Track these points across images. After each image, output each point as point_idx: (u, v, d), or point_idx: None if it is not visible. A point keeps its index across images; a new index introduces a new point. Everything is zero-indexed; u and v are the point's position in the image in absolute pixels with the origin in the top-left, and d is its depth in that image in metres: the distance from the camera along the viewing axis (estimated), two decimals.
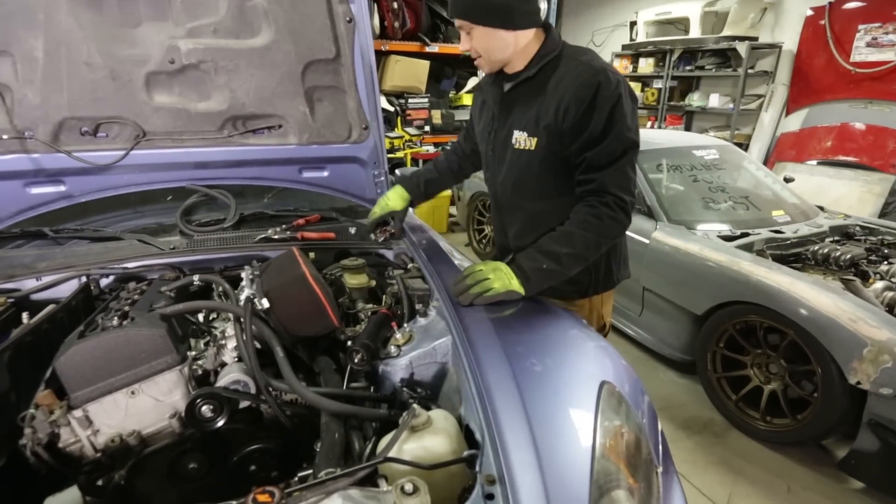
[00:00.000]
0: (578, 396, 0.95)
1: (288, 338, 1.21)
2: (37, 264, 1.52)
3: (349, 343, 1.27)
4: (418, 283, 1.43)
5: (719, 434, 2.48)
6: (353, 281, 1.50)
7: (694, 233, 2.76)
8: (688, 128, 6.46)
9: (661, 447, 0.99)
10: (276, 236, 1.70)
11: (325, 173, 1.93)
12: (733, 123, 5.69)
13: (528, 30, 1.31)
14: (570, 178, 1.35)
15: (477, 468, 0.82)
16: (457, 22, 1.32)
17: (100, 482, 1.04)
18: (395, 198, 1.72)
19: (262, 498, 0.67)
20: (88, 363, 1.05)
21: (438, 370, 1.19)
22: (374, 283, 1.54)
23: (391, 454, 0.86)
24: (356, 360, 1.19)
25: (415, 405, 0.98)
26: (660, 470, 0.94)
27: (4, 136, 1.56)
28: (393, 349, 1.21)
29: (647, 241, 2.87)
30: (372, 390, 1.20)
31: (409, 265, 1.60)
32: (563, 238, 1.28)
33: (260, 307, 1.19)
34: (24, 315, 1.32)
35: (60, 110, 1.58)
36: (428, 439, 0.91)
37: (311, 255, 1.67)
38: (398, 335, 1.24)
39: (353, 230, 1.86)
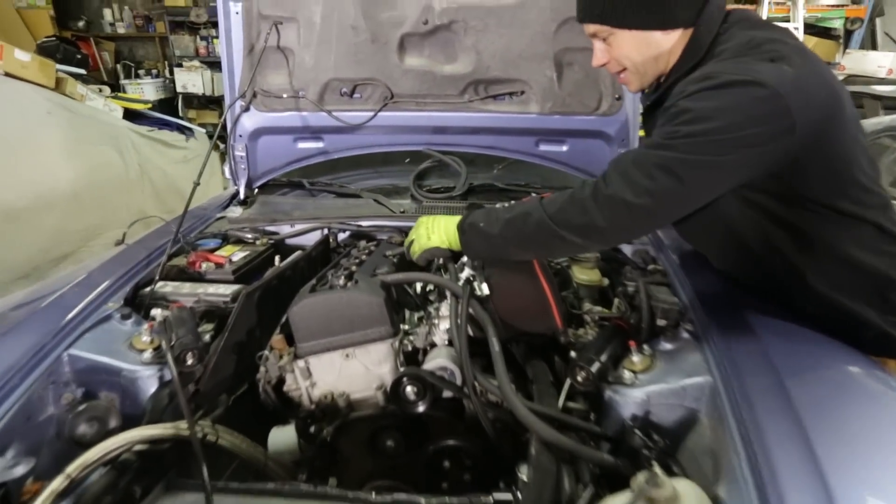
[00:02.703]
0: None
1: (504, 331, 1.11)
2: (292, 212, 1.72)
3: (572, 353, 1.11)
4: (664, 292, 1.18)
5: None
6: (582, 276, 1.35)
7: None
8: None
9: None
10: None
11: (564, 147, 1.77)
12: None
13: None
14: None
15: None
16: (587, 28, 1.04)
17: (312, 429, 1.10)
18: None
19: None
20: (314, 318, 1.10)
21: (685, 416, 0.92)
22: (606, 281, 1.36)
23: None
24: (580, 379, 1.01)
25: (656, 469, 0.73)
26: None
27: (284, 95, 1.77)
28: (627, 374, 0.99)
29: None
30: (592, 419, 1.02)
31: (650, 266, 1.36)
32: (520, 205, 1.06)
33: (479, 292, 1.11)
34: (277, 258, 1.48)
35: (327, 72, 1.72)
36: None
37: None
38: (635, 357, 1.01)
39: None
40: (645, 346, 1.04)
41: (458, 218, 1.13)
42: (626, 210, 0.91)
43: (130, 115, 3.58)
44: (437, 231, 1.14)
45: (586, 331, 1.18)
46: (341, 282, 1.16)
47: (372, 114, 1.73)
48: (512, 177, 1.99)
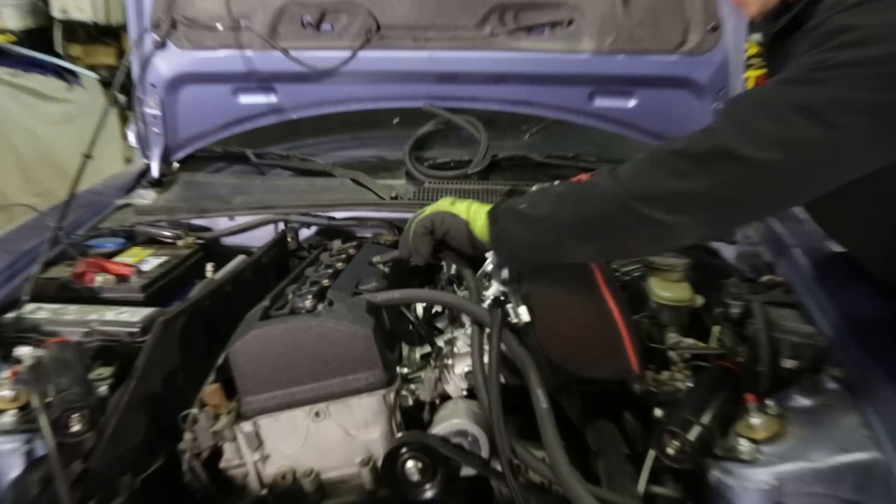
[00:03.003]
0: None
1: (552, 376, 1.10)
2: (232, 198, 1.71)
3: (656, 410, 1.08)
4: (791, 317, 1.16)
5: None
6: (664, 293, 1.34)
7: None
8: None
9: None
10: None
11: (631, 102, 1.79)
12: None
13: None
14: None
15: None
16: None
17: None
18: None
19: None
20: (267, 359, 1.08)
21: None
22: (701, 300, 1.35)
23: None
24: (671, 451, 0.98)
25: None
26: None
27: (219, 26, 1.75)
28: (744, 445, 0.96)
29: None
30: None
31: (765, 276, 1.36)
32: (576, 185, 1.10)
33: (516, 319, 1.09)
34: (209, 266, 1.46)
35: None
36: None
37: None
38: (755, 419, 0.98)
39: None
40: (769, 402, 1.02)
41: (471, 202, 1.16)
42: (741, 169, 0.87)
43: None
44: (463, 204, 1.16)
45: (673, 375, 1.18)
46: (307, 303, 1.14)
47: (348, 54, 1.72)
48: (553, 145, 1.97)
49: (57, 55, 4.47)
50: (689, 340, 1.26)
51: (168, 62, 1.77)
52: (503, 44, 1.72)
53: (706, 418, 0.99)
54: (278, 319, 1.10)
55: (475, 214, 1.16)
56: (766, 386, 1.08)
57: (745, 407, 1.01)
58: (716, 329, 1.27)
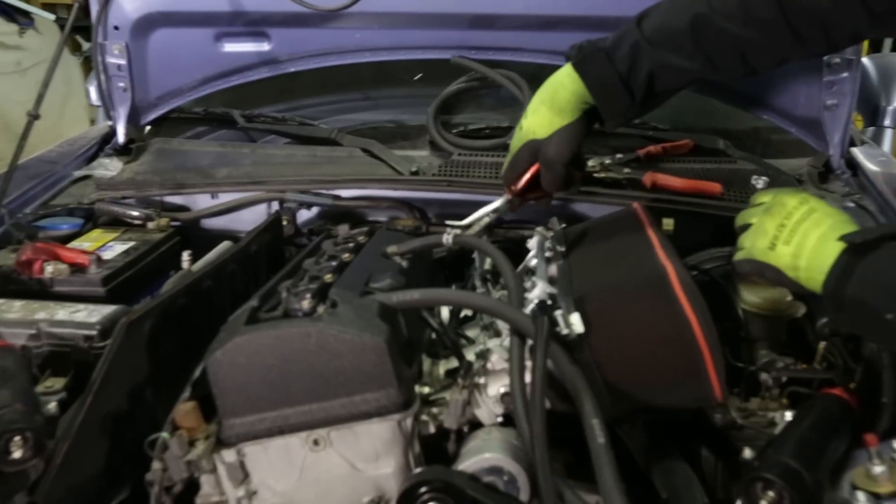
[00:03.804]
0: None
1: (612, 403, 1.09)
2: (215, 171, 1.72)
3: (746, 451, 1.06)
4: None
5: None
6: (755, 297, 1.35)
7: None
8: None
9: None
10: (600, 174, 1.59)
11: None
12: None
13: None
14: None
15: None
16: None
17: None
18: (543, 109, 1.34)
19: None
20: (256, 371, 1.07)
21: None
22: (802, 309, 1.35)
23: None
24: None
25: None
26: None
27: None
28: (862, 501, 0.95)
29: None
30: None
31: None
32: None
33: (566, 329, 1.07)
34: (185, 256, 1.46)
35: None
36: None
37: (668, 223, 1.59)
38: (878, 467, 0.96)
39: (759, 182, 1.67)
40: (894, 442, 1.00)
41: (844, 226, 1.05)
42: None
43: None
44: (798, 239, 1.07)
45: (765, 404, 1.19)
46: (305, 304, 1.14)
47: None
48: None
49: None
50: (787, 360, 1.26)
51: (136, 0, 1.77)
52: None
53: (812, 464, 0.97)
54: (269, 324, 1.09)
55: (814, 257, 1.07)
56: (890, 423, 1.08)
57: (864, 450, 0.99)
58: (822, 346, 1.26)
